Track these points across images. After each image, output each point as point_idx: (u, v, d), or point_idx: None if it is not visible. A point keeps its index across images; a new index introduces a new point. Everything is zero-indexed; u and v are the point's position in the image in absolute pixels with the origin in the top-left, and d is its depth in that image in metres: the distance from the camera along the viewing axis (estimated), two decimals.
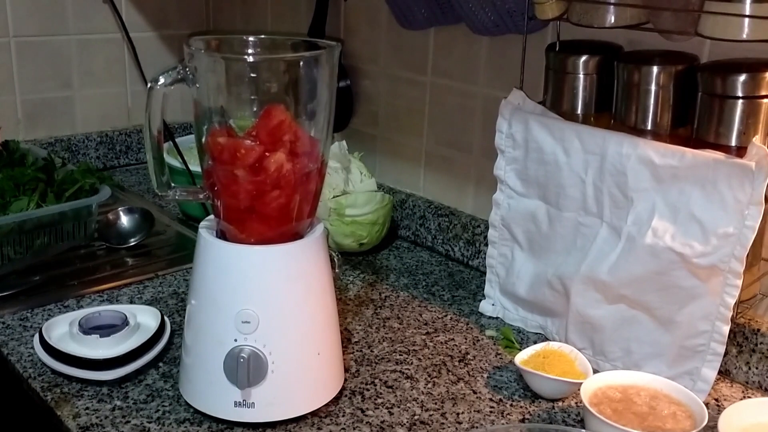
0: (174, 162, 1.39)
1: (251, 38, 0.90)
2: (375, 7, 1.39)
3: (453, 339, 1.09)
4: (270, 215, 0.86)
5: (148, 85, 0.83)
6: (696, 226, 0.90)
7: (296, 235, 0.89)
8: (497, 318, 1.15)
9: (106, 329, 0.99)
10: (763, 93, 0.87)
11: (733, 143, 0.89)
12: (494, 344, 1.08)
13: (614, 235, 0.98)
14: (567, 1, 0.97)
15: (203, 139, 0.87)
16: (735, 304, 0.90)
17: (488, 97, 1.25)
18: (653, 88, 0.94)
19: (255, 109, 0.86)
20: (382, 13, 1.38)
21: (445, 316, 1.15)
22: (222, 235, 0.89)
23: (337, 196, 1.31)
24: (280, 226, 0.87)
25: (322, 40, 0.91)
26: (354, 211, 1.30)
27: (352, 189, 1.34)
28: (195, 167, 1.36)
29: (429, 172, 1.40)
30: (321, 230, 0.90)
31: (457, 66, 1.30)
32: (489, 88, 1.25)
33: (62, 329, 1.00)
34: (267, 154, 0.84)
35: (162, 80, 0.83)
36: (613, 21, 0.93)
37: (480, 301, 1.17)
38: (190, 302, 0.90)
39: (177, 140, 1.41)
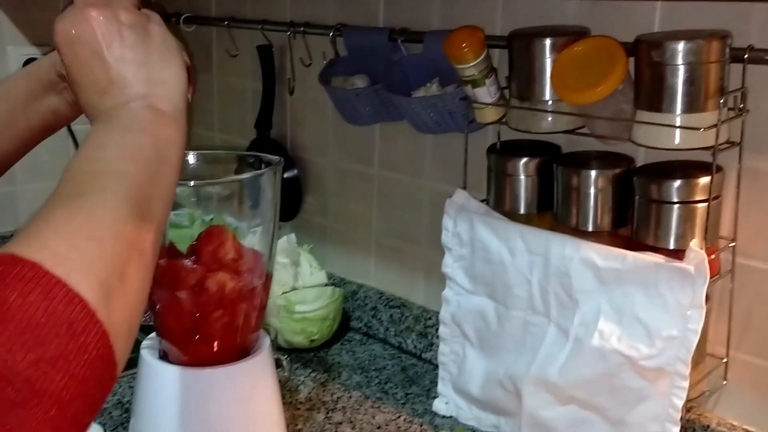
0: None
1: (192, 154, 0.90)
2: (320, 100, 1.40)
3: None
4: (214, 335, 0.85)
5: None
6: (641, 328, 0.91)
7: (242, 350, 0.87)
8: (451, 417, 1.13)
9: None
10: (698, 198, 0.89)
11: (672, 246, 0.91)
12: None
13: (562, 335, 0.98)
14: (504, 107, 0.99)
15: None
16: (683, 404, 0.91)
17: (435, 190, 1.26)
18: (592, 191, 0.95)
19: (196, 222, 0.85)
20: (328, 105, 1.39)
21: (399, 417, 1.13)
22: (164, 355, 0.87)
23: (286, 292, 1.30)
24: (224, 344, 0.86)
25: (266, 154, 0.90)
26: (304, 307, 1.29)
27: (302, 284, 1.33)
28: None
29: (379, 262, 1.39)
30: (267, 346, 0.89)
31: (403, 159, 1.31)
32: (435, 182, 1.26)
33: None
34: (208, 274, 0.83)
35: None
36: (549, 127, 0.95)
37: (434, 398, 1.16)
38: (131, 419, 0.88)
39: None
